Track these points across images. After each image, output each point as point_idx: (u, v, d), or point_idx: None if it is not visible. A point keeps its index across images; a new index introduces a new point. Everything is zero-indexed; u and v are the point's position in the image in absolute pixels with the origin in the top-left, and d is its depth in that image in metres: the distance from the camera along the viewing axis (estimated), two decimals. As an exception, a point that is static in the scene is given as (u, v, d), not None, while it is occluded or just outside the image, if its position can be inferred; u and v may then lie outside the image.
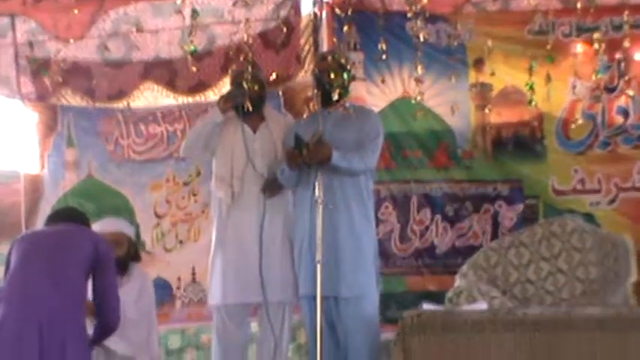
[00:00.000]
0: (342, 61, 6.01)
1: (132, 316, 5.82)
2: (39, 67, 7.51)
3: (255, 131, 6.21)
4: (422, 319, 5.34)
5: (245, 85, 5.94)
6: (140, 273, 6.13)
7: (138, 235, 7.46)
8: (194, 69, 6.52)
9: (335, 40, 6.97)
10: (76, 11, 6.80)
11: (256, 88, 6.05)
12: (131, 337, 5.81)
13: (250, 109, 6.00)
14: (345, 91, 5.99)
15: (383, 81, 7.06)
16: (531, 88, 6.23)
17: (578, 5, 6.26)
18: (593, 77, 6.62)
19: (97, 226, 5.87)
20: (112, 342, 5.61)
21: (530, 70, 6.27)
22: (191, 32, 6.15)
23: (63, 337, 4.71)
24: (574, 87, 6.83)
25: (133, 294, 5.90)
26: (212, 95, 7.34)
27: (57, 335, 4.70)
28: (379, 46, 5.91)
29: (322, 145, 5.74)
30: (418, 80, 5.94)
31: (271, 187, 6.11)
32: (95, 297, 5.11)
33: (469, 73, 7.15)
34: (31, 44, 7.51)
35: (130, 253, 6.04)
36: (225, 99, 6.21)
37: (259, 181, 6.12)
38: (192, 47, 6.11)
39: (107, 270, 5.14)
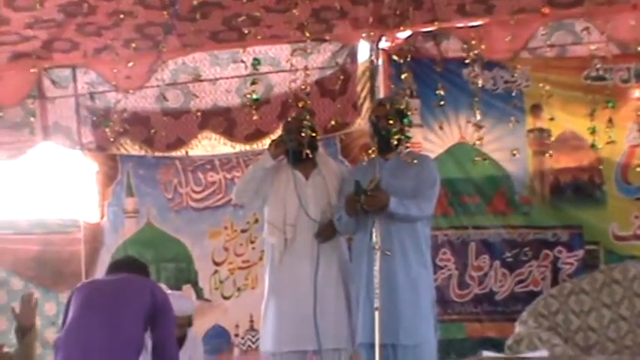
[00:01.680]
0: (400, 107, 6.02)
1: None
2: (100, 119, 7.61)
3: (307, 178, 6.21)
4: (482, 366, 5.31)
5: (302, 133, 5.94)
6: (191, 339, 6.18)
7: (196, 282, 7.52)
8: (255, 117, 6.56)
9: (392, 86, 6.98)
10: (130, 64, 6.89)
11: (309, 134, 6.03)
12: None
13: (309, 154, 5.99)
14: (404, 137, 6.00)
15: (441, 127, 7.08)
16: (594, 132, 6.19)
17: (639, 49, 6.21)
18: (650, 121, 6.59)
19: None
20: None
21: (592, 115, 6.23)
22: (254, 81, 6.21)
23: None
24: (635, 132, 6.75)
25: None
26: (269, 143, 7.40)
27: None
28: (436, 92, 5.90)
29: (379, 192, 5.75)
30: (477, 126, 5.92)
31: (325, 232, 6.11)
32: (154, 347, 5.11)
33: (526, 119, 7.13)
34: (92, 96, 7.64)
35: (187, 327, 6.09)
36: (275, 144, 6.23)
37: (312, 227, 6.10)
38: (255, 96, 6.15)
39: (165, 319, 5.13)
